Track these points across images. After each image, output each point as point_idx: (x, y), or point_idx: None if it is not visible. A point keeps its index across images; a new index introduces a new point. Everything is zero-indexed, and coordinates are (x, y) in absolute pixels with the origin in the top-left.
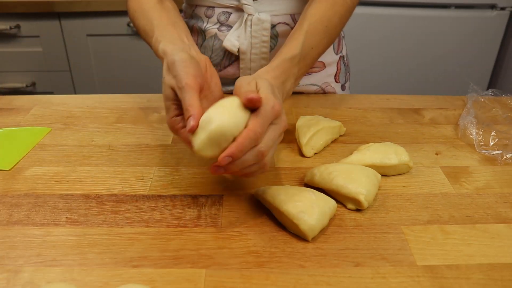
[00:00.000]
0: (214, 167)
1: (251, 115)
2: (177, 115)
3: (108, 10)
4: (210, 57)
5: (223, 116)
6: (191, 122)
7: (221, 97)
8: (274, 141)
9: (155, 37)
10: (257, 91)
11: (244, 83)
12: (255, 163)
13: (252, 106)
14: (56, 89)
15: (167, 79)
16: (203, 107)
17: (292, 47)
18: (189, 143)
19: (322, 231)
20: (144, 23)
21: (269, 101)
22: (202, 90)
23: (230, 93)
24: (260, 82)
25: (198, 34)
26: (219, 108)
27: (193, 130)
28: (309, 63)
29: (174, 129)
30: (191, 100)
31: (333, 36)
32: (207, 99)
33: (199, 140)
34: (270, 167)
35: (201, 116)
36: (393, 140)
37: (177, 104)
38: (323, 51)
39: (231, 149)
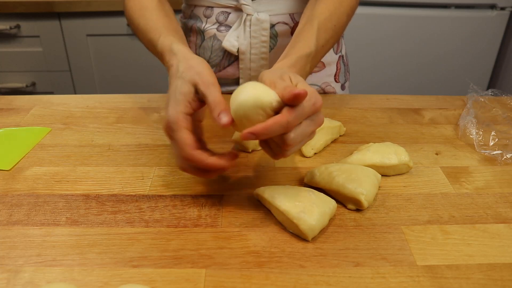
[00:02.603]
0: (244, 134)
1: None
2: (186, 113)
3: (108, 10)
4: (210, 58)
5: (254, 89)
6: (225, 118)
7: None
8: (304, 136)
9: (165, 35)
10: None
11: (276, 78)
12: (278, 147)
13: (296, 103)
14: (56, 89)
15: (189, 74)
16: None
17: (307, 44)
18: (185, 147)
19: (322, 231)
20: (145, 22)
21: (311, 96)
22: None
23: (230, 93)
24: (295, 77)
25: (197, 34)
26: (248, 85)
27: (228, 125)
28: (318, 60)
29: (176, 125)
30: (219, 97)
31: (340, 34)
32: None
33: (232, 111)
34: (270, 167)
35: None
36: (393, 140)
37: (192, 102)
38: (330, 49)
39: (257, 128)
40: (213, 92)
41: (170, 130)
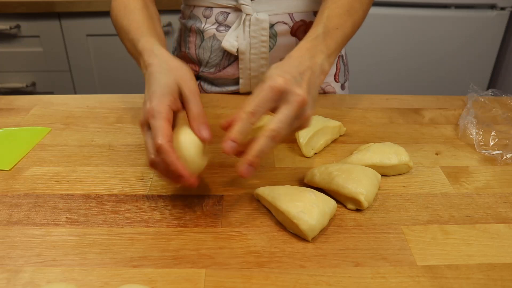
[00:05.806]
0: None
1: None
2: (171, 107)
3: (108, 10)
4: (209, 58)
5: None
6: (205, 132)
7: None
8: (282, 121)
9: (148, 37)
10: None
11: (257, 90)
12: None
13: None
14: (56, 89)
15: (174, 74)
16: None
17: (313, 30)
18: (161, 135)
19: (322, 231)
20: (128, 23)
21: (269, 80)
22: None
23: (230, 93)
24: (269, 72)
25: (196, 34)
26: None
27: (210, 140)
28: (338, 40)
29: (159, 114)
30: (201, 109)
31: (357, 19)
32: None
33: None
34: (270, 167)
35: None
36: (393, 140)
37: (177, 99)
38: (350, 33)
39: (228, 136)
40: (197, 102)
41: (151, 117)
